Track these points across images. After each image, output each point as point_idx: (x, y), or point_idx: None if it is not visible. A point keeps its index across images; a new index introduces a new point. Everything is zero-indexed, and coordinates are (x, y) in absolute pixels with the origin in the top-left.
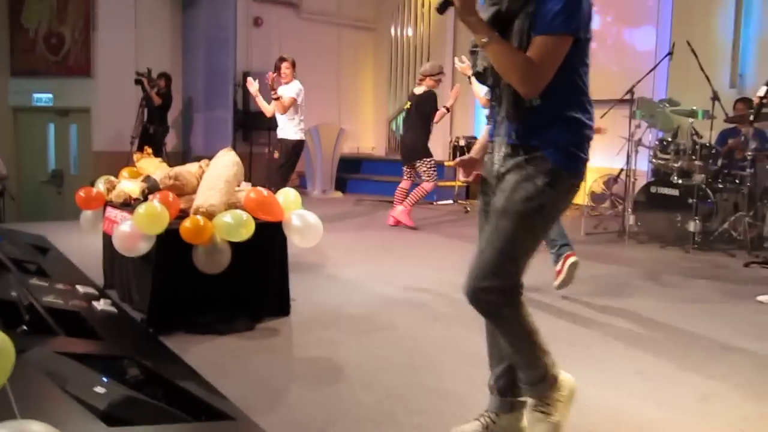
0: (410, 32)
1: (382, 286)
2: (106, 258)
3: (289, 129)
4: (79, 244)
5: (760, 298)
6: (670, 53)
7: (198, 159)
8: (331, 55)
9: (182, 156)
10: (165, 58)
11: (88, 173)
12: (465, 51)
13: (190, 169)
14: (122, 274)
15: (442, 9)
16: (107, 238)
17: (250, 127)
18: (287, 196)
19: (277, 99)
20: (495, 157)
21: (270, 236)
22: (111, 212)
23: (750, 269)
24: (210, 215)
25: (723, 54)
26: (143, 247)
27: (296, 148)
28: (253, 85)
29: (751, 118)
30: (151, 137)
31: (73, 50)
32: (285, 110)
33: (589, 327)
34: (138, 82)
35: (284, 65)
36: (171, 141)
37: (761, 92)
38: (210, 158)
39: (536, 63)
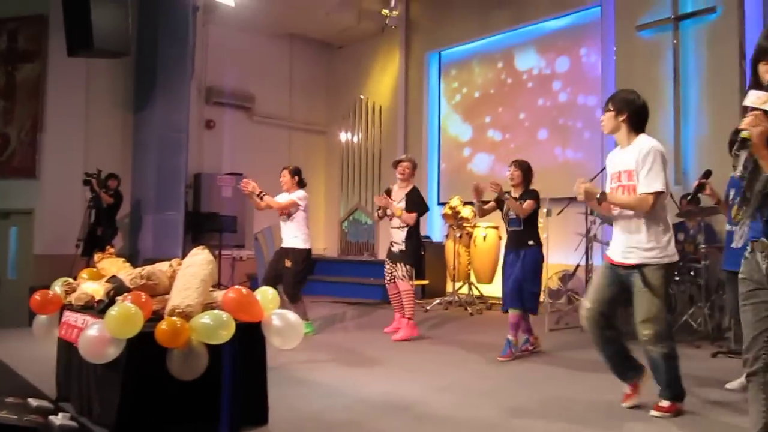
0: (360, 136)
1: (360, 389)
2: (60, 366)
3: (299, 238)
4: (22, 353)
5: (728, 386)
6: None
7: (148, 262)
8: (283, 157)
9: (129, 258)
10: (114, 160)
11: (27, 278)
12: (416, 158)
13: (162, 268)
14: (80, 384)
15: (741, 146)
16: (62, 345)
17: (201, 228)
18: (265, 294)
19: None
20: (758, 255)
21: (247, 338)
22: (70, 316)
23: (717, 359)
24: (187, 316)
25: (666, 153)
26: (112, 353)
27: (309, 255)
28: (250, 184)
29: (689, 198)
30: (98, 239)
31: (18, 151)
32: (284, 211)
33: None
34: (87, 183)
35: (284, 173)
36: (118, 243)
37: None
38: (160, 261)
39: None
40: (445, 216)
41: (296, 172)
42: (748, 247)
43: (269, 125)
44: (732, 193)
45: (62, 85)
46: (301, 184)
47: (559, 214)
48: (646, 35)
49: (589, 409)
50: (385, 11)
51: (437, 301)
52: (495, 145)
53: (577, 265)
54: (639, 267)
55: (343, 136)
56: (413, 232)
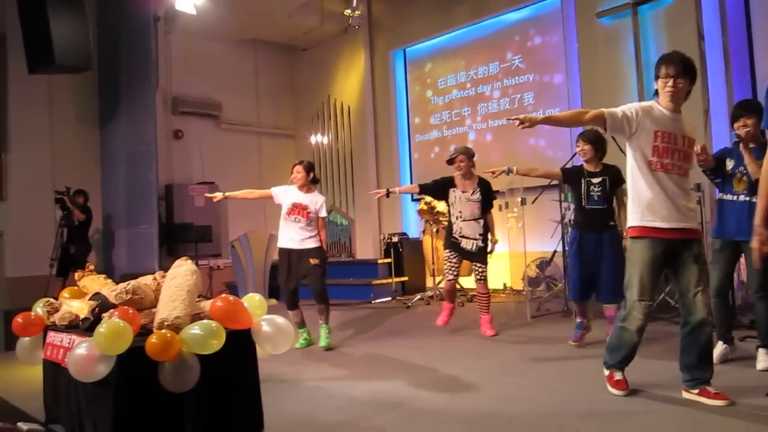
0: (330, 138)
1: (350, 389)
2: (48, 388)
3: (316, 238)
4: (6, 377)
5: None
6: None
7: (125, 277)
8: (253, 163)
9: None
10: (82, 176)
11: (2, 302)
12: (387, 156)
13: (146, 281)
14: (70, 405)
15: None
16: (48, 366)
17: (176, 240)
18: (253, 301)
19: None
20: None
21: (238, 345)
22: (54, 336)
23: None
24: (176, 328)
25: None
26: (102, 371)
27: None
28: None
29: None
30: (72, 257)
31: None
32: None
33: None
34: (58, 200)
35: (298, 169)
36: (91, 260)
37: None
38: (136, 276)
39: None
40: (420, 212)
41: (311, 168)
42: None
43: (238, 132)
44: (731, 164)
45: (25, 103)
46: (315, 181)
47: (533, 202)
48: (606, 22)
49: (575, 394)
50: (347, 11)
51: (418, 296)
52: (464, 138)
53: (554, 252)
54: (695, 235)
55: (313, 139)
56: (486, 223)
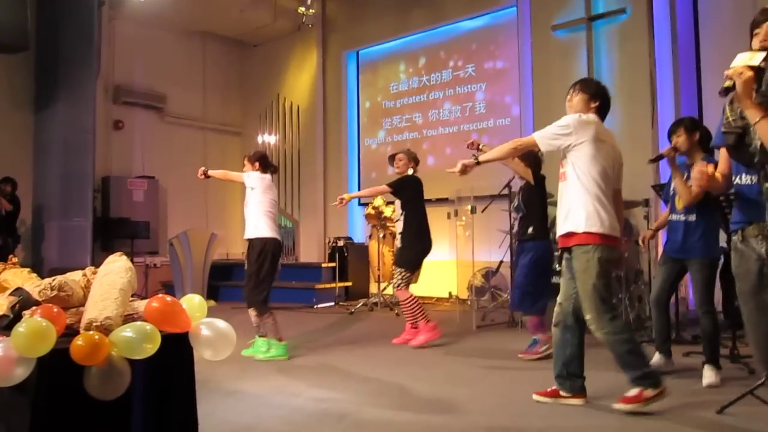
0: (278, 137)
1: (293, 399)
2: None
3: (259, 228)
4: None
5: None
6: (539, 151)
7: (54, 272)
8: (197, 159)
9: (32, 269)
10: (12, 163)
11: None
12: (335, 158)
13: (74, 278)
14: None
15: (725, 93)
16: None
17: (111, 235)
18: (192, 302)
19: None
20: (753, 242)
21: (173, 350)
22: None
23: None
24: (106, 330)
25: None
26: (19, 374)
27: (273, 247)
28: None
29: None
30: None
31: None
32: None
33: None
34: None
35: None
36: (18, 253)
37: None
38: (67, 270)
39: None
40: (367, 216)
41: (256, 158)
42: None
43: (182, 126)
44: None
45: None
46: (266, 169)
47: (483, 211)
48: (561, 35)
49: (528, 405)
50: (301, 9)
51: (361, 302)
52: (413, 144)
53: (500, 262)
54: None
55: (260, 138)
56: (410, 223)
